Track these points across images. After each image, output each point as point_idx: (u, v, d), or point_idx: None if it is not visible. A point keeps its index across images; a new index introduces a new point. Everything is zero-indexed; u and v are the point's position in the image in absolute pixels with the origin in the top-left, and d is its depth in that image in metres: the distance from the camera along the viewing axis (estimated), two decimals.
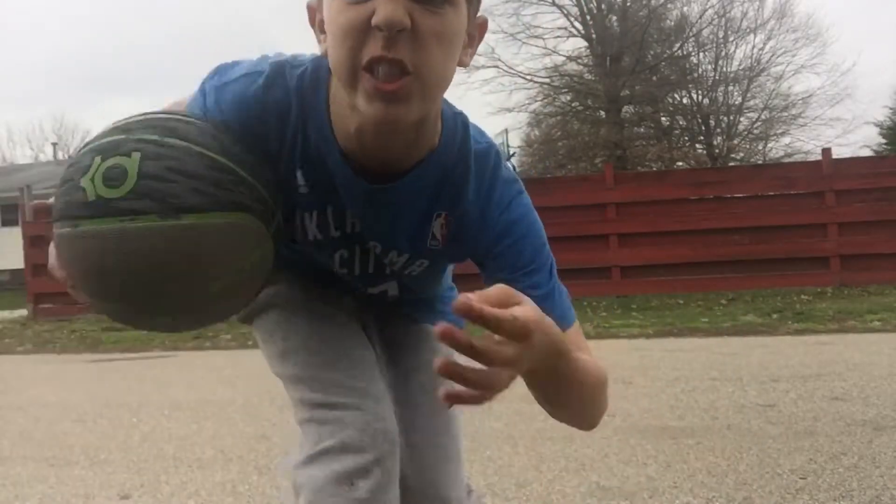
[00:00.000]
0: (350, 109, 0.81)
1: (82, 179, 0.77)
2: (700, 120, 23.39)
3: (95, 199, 0.76)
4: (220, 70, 0.92)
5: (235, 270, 0.82)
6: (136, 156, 0.76)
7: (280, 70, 0.87)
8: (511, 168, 0.93)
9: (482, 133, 0.93)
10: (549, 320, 0.65)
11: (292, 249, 0.99)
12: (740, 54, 22.32)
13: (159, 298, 0.80)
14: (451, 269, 1.15)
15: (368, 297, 1.06)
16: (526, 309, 0.61)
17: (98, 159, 0.78)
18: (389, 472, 0.94)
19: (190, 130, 0.80)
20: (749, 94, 22.51)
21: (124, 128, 0.81)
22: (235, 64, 0.92)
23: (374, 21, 0.72)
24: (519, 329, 0.59)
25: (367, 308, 1.11)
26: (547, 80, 22.47)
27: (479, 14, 0.83)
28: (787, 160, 20.20)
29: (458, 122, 0.89)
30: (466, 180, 0.89)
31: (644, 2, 21.63)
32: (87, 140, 0.83)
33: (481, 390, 0.59)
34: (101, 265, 0.78)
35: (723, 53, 22.21)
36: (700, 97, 23.17)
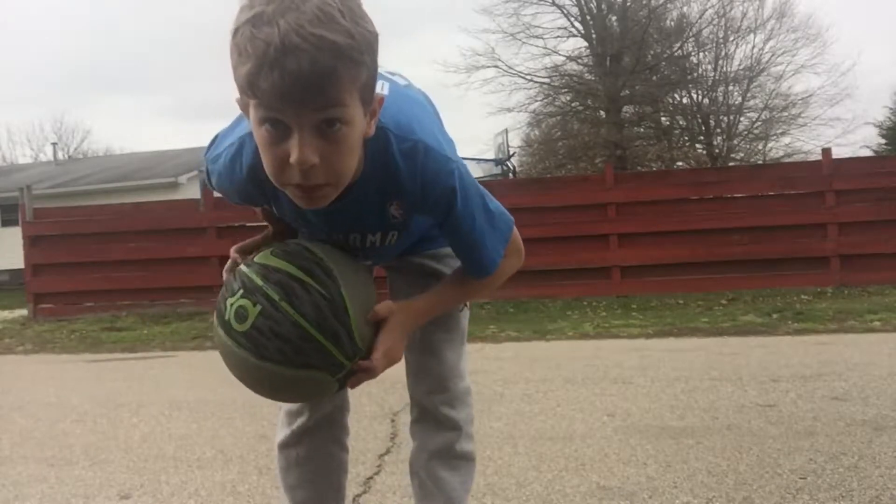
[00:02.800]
0: None
1: (230, 299, 1.08)
2: (700, 120, 23.38)
3: (226, 321, 1.07)
4: (214, 142, 1.20)
5: (299, 395, 1.22)
6: (258, 309, 1.05)
7: (243, 142, 1.10)
8: (443, 155, 1.10)
9: (411, 131, 1.09)
10: (396, 333, 1.15)
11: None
12: (740, 54, 22.33)
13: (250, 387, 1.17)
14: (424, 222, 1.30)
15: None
16: (383, 346, 1.13)
17: (241, 292, 1.07)
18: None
19: (303, 299, 1.05)
20: (749, 94, 22.50)
21: (265, 272, 1.08)
22: (224, 136, 1.18)
23: (290, 160, 0.93)
24: (384, 363, 1.13)
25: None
26: (547, 80, 22.46)
27: (376, 92, 1.01)
28: (787, 160, 20.20)
29: (380, 139, 1.06)
30: (398, 175, 1.09)
31: (644, 2, 21.61)
32: (262, 250, 1.13)
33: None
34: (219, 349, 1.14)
35: (723, 53, 22.20)
36: (700, 97, 23.16)
